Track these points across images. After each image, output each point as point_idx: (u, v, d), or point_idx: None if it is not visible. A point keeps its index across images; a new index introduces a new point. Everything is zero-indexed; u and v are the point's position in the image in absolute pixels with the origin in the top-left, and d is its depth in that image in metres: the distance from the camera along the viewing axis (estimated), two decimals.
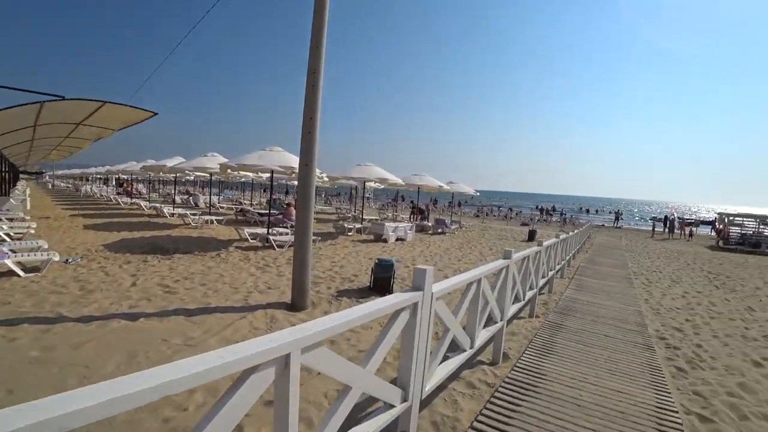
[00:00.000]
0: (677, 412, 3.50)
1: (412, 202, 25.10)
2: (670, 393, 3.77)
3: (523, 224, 30.75)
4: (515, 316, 5.96)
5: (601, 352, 4.72)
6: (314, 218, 6.46)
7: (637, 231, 35.53)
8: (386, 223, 14.02)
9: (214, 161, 14.70)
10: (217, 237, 12.11)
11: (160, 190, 39.97)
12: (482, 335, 3.75)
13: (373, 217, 20.21)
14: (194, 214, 15.23)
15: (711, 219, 38.46)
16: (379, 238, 13.73)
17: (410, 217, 22.42)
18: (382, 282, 6.99)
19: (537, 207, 54.24)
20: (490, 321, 4.09)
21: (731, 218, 26.42)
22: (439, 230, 18.34)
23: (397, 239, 14.08)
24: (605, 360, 4.47)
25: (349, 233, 14.80)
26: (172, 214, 16.92)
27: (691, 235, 30.36)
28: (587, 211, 66.69)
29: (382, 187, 20.85)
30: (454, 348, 3.39)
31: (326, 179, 17.66)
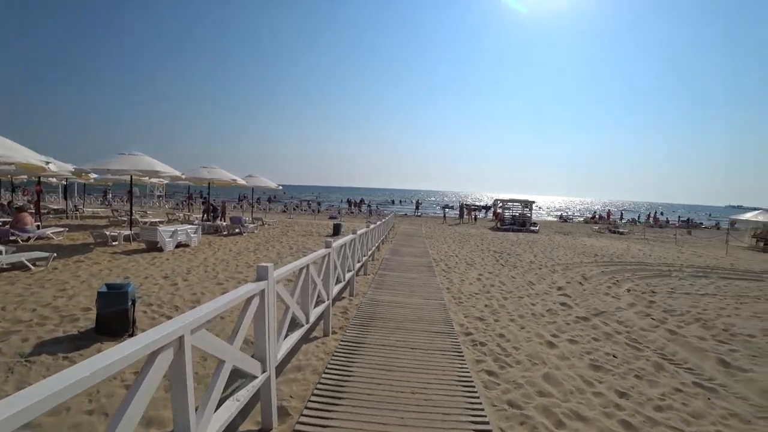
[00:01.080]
0: None
1: (204, 199, 22.19)
2: (487, 421, 3.37)
3: (331, 218, 31.26)
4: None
5: (408, 378, 3.99)
6: (77, 224, 5.70)
7: (434, 218, 39.04)
8: (160, 228, 11.53)
9: None
10: None
11: None
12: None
13: (159, 219, 17.52)
14: None
15: (490, 204, 48.36)
16: (154, 247, 11.41)
17: (202, 217, 19.80)
18: (111, 318, 4.88)
19: (346, 200, 56.02)
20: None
21: (504, 203, 31.57)
22: (236, 230, 16.52)
23: (178, 245, 12.05)
24: (411, 391, 3.72)
25: (114, 243, 11.94)
26: None
27: (476, 219, 35.38)
28: (393, 201, 74.15)
29: (165, 182, 19.03)
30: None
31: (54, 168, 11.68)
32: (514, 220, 29.09)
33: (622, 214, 52.93)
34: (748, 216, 23.92)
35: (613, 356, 5.19)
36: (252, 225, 18.11)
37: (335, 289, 5.76)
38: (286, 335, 3.74)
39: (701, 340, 6.03)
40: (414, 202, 56.06)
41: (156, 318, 5.75)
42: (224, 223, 17.33)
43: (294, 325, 4.08)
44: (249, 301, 2.81)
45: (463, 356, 4.70)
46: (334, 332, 5.44)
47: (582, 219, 48.77)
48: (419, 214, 43.82)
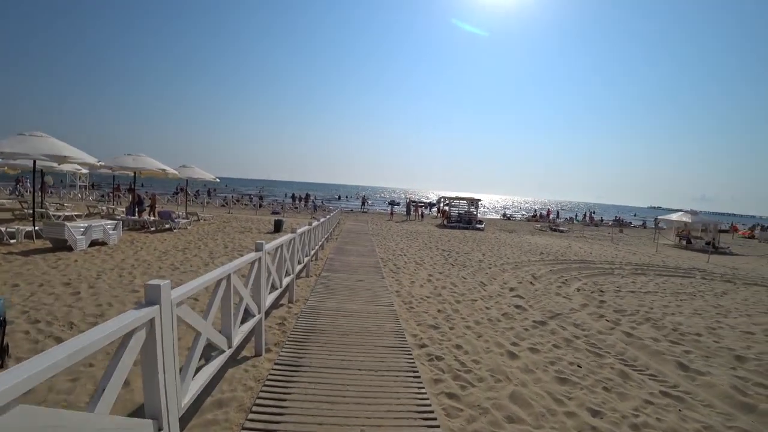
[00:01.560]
0: None
1: (131, 189, 19.70)
2: None
3: (274, 213, 30.25)
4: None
5: (356, 411, 3.29)
6: None
7: (381, 215, 38.14)
8: (70, 224, 9.91)
9: None
10: None
11: None
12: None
13: (76, 213, 15.58)
14: None
15: (434, 201, 48.55)
16: (63, 246, 9.76)
17: (127, 210, 17.41)
18: None
19: (290, 195, 53.65)
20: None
21: (451, 201, 31.58)
22: (166, 226, 14.95)
23: (93, 244, 10.50)
24: (361, 430, 3.05)
25: (12, 240, 10.13)
26: None
27: (422, 216, 35.51)
28: (339, 197, 73.14)
29: (83, 171, 17.49)
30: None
31: None
32: (461, 218, 29.19)
33: (558, 212, 55.59)
34: (672, 216, 26.04)
35: (578, 366, 4.84)
36: (185, 220, 16.53)
37: (269, 299, 4.89)
38: (198, 369, 2.86)
39: (656, 341, 5.96)
40: (360, 198, 55.04)
41: (41, 341, 4.51)
42: (151, 218, 15.45)
43: (211, 350, 3.21)
44: (128, 336, 1.93)
45: (419, 376, 4.06)
46: (268, 350, 4.60)
47: (524, 217, 50.74)
48: (365, 210, 43.13)
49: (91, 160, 12.39)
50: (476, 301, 7.70)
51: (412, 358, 4.50)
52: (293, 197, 48.86)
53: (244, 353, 4.47)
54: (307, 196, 49.01)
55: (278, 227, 17.45)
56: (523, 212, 69.60)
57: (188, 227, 16.28)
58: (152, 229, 14.66)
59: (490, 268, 11.66)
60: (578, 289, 9.40)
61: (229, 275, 3.22)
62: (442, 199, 33.00)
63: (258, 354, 4.44)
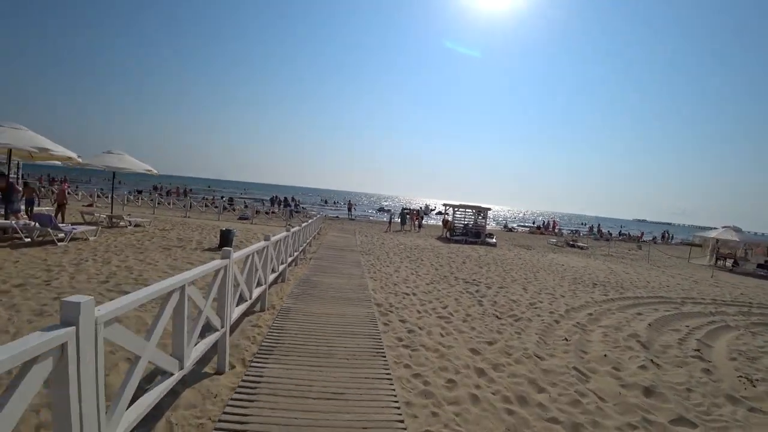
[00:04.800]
0: None
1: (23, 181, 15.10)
2: None
3: (242, 218, 25.84)
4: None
5: None
6: None
7: (370, 223, 34.15)
8: None
9: None
10: None
11: None
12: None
13: None
14: None
15: (433, 208, 45.25)
16: None
17: None
18: None
19: (272, 198, 47.96)
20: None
21: (455, 209, 26.62)
22: (59, 236, 10.07)
23: None
24: None
25: None
26: None
27: (419, 226, 31.54)
28: (325, 202, 69.65)
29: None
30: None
31: None
32: (467, 230, 25.21)
33: (553, 223, 51.27)
34: (711, 233, 23.40)
35: None
36: (83, 228, 11.41)
37: (236, 312, 4.42)
38: (132, 401, 2.38)
39: None
40: (346, 204, 49.38)
41: None
42: (22, 222, 10.04)
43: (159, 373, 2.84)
44: (26, 368, 1.55)
45: None
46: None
47: (527, 229, 47.86)
48: (353, 217, 38.39)
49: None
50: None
51: None
52: (272, 200, 44.14)
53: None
54: (285, 199, 43.74)
55: (225, 241, 12.25)
56: (519, 222, 67.08)
57: (91, 238, 11.33)
58: (27, 239, 9.86)
59: (556, 321, 7.45)
60: (749, 380, 5.45)
61: (183, 286, 2.83)
62: (447, 208, 28.10)
63: (220, 372, 3.97)
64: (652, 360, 5.80)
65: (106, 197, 26.91)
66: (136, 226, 15.19)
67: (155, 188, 52.98)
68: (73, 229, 10.88)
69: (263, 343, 4.73)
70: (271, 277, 6.59)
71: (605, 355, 5.78)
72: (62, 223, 12.39)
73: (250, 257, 5.04)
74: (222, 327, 3.82)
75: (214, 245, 12.42)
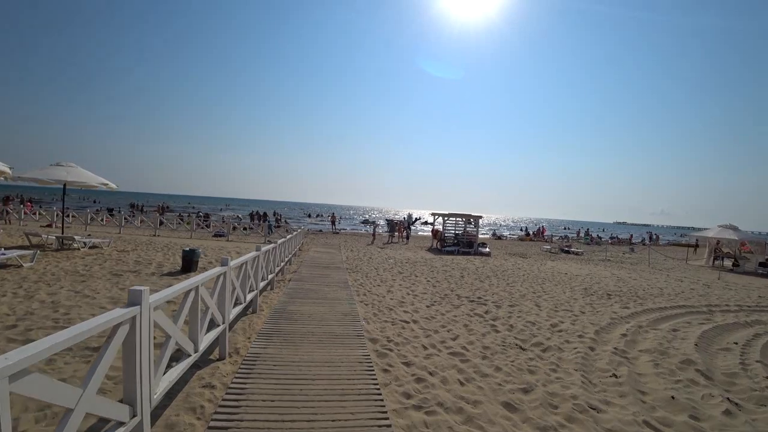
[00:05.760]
0: None
1: None
2: None
3: (217, 235, 24.18)
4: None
5: None
6: None
7: (355, 236, 33.15)
8: None
9: None
10: None
11: None
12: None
13: None
14: None
15: (417, 218, 44.36)
16: None
17: None
18: None
19: (251, 213, 45.52)
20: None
21: (445, 218, 25.24)
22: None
23: None
24: None
25: None
26: None
27: (408, 237, 30.19)
28: (309, 215, 70.05)
29: None
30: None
31: None
32: (458, 240, 23.94)
33: (542, 229, 50.21)
34: (708, 233, 22.62)
35: None
36: (17, 253, 9.66)
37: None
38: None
39: None
40: (329, 216, 48.76)
41: None
42: None
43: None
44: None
45: None
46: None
47: (515, 236, 47.80)
48: (337, 231, 37.29)
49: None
50: None
51: None
52: (251, 215, 42.01)
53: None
54: (264, 214, 41.47)
55: (188, 265, 10.77)
56: (505, 229, 66.68)
57: (28, 264, 9.79)
58: None
59: (590, 348, 6.22)
60: None
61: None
62: (436, 217, 26.72)
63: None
64: (729, 399, 4.66)
65: (74, 217, 25.30)
66: (92, 247, 13.55)
67: (133, 206, 50.52)
68: (1, 254, 9.36)
69: (213, 421, 3.24)
70: (235, 311, 5.20)
71: (672, 398, 4.58)
72: None
73: (191, 294, 3.67)
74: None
75: (176, 268, 11.02)
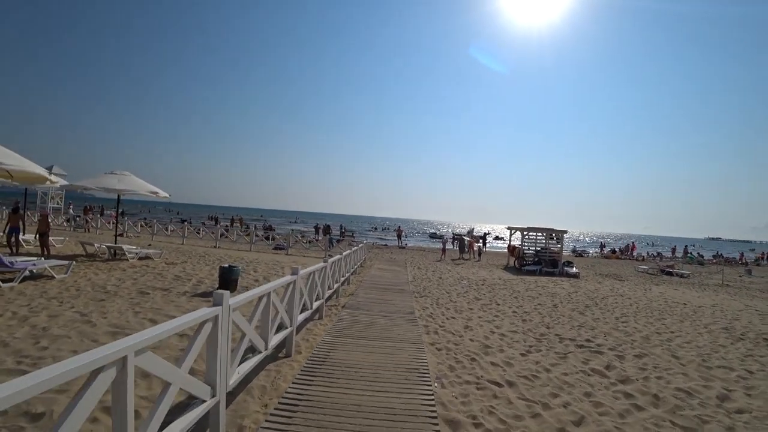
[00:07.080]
0: None
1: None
2: None
3: (277, 248, 24.33)
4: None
5: None
6: None
7: (422, 251, 31.54)
8: None
9: None
10: None
11: None
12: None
13: None
14: None
15: (481, 234, 40.96)
16: None
17: None
18: None
19: (316, 226, 44.78)
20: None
21: (524, 233, 23.41)
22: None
23: None
24: None
25: None
26: None
27: (480, 254, 28.01)
28: (375, 228, 70.76)
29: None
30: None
31: None
32: (540, 258, 21.69)
33: (632, 246, 44.17)
34: None
35: None
36: (51, 263, 9.42)
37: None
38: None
39: None
40: (396, 231, 45.74)
41: None
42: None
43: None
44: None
45: None
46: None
47: (598, 253, 43.63)
48: (403, 245, 35.32)
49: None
50: None
51: None
52: (316, 229, 40.66)
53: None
54: (327, 227, 40.03)
55: (225, 282, 9.51)
56: (582, 245, 61.05)
57: (61, 275, 9.40)
58: None
59: None
60: None
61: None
62: (513, 231, 24.92)
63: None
64: None
65: (142, 226, 27.97)
66: (142, 258, 13.27)
67: (210, 218, 54.50)
68: (32, 264, 8.89)
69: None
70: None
71: None
72: (45, 254, 11.94)
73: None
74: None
75: (215, 286, 9.91)
